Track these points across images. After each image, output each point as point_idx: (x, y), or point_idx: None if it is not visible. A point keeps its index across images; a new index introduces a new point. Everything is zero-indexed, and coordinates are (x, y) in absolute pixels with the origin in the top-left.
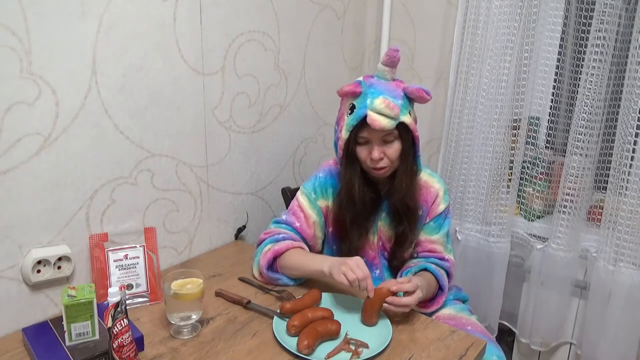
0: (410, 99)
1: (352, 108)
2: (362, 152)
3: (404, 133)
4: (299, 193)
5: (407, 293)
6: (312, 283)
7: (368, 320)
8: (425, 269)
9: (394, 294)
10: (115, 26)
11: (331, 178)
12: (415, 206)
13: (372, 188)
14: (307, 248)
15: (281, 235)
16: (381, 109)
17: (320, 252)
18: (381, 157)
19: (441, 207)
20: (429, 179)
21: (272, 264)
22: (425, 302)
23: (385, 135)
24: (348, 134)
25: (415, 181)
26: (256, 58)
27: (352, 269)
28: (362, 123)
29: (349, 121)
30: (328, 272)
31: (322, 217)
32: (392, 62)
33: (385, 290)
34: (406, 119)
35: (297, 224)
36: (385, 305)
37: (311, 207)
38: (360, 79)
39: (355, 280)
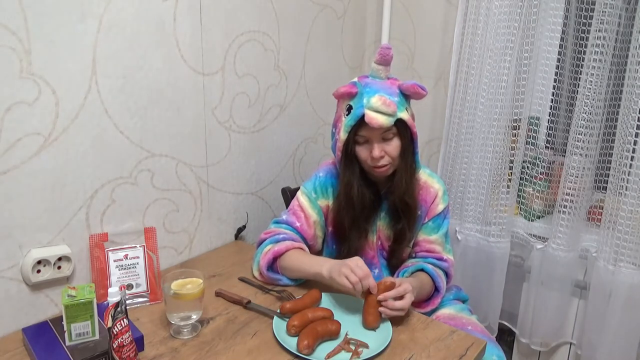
0: (406, 95)
1: (349, 109)
2: (362, 151)
3: (403, 130)
4: (299, 192)
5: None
6: (312, 283)
7: (371, 323)
8: (422, 269)
9: (391, 288)
10: (115, 26)
11: (331, 177)
12: (414, 204)
13: (371, 189)
14: (307, 248)
15: (281, 236)
16: (378, 107)
17: (320, 252)
18: (382, 155)
19: (440, 207)
20: (429, 179)
21: (272, 265)
22: (420, 302)
23: (384, 133)
24: (347, 135)
25: (415, 178)
26: (256, 58)
27: (352, 269)
28: (361, 122)
29: (347, 122)
30: (328, 275)
31: (323, 216)
32: (385, 60)
33: (382, 286)
34: (404, 115)
35: (298, 224)
36: (381, 309)
37: (311, 207)
38: (355, 79)
39: (357, 282)
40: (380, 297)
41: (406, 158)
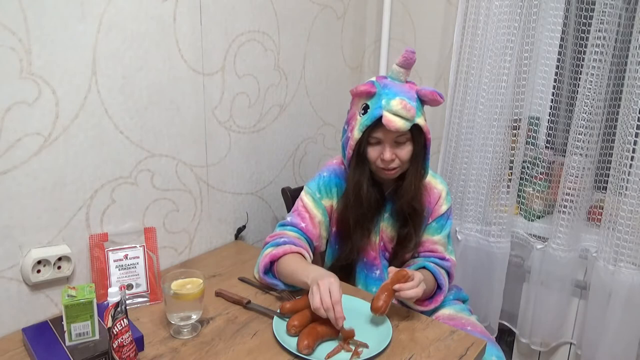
0: (422, 101)
1: (366, 108)
2: (372, 152)
3: (417, 135)
4: (303, 193)
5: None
6: None
7: (379, 310)
8: (424, 267)
9: (406, 278)
10: (115, 26)
11: (335, 177)
12: (421, 208)
13: (377, 189)
14: (307, 253)
15: (282, 239)
16: (397, 110)
17: (324, 252)
18: (393, 158)
19: (444, 208)
20: (432, 180)
21: (270, 269)
22: (423, 301)
23: (398, 137)
24: (360, 134)
25: (423, 184)
26: (256, 58)
27: (321, 294)
28: (376, 123)
29: (362, 121)
30: (310, 285)
31: (327, 216)
32: (408, 64)
33: (398, 275)
34: (420, 121)
35: (303, 225)
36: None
37: (316, 207)
38: (374, 79)
39: (319, 308)
40: (396, 287)
41: (417, 163)
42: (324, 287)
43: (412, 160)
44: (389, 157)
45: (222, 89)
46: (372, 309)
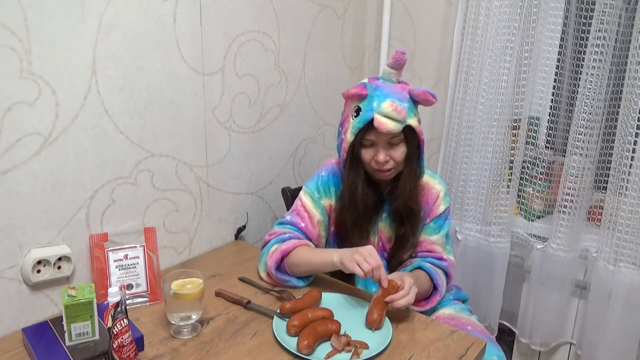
0: (415, 101)
1: (358, 111)
2: (367, 154)
3: (410, 136)
4: (301, 193)
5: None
6: (312, 283)
7: (374, 323)
8: (420, 268)
9: (396, 289)
10: (115, 26)
11: (334, 177)
12: (418, 209)
13: (374, 190)
14: (313, 246)
15: (287, 235)
16: (388, 112)
17: None
18: (387, 159)
19: (441, 208)
20: (430, 180)
21: (280, 264)
22: (419, 301)
23: (391, 138)
24: (353, 137)
25: (419, 184)
26: (256, 58)
27: (365, 258)
28: (368, 126)
29: (354, 124)
30: (339, 262)
31: (326, 216)
32: (398, 65)
33: (389, 287)
34: (413, 122)
35: (302, 224)
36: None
37: (315, 207)
38: (365, 81)
39: (369, 271)
40: (387, 299)
41: (411, 164)
42: (367, 253)
43: (406, 161)
44: (383, 158)
45: (222, 89)
46: (367, 322)
